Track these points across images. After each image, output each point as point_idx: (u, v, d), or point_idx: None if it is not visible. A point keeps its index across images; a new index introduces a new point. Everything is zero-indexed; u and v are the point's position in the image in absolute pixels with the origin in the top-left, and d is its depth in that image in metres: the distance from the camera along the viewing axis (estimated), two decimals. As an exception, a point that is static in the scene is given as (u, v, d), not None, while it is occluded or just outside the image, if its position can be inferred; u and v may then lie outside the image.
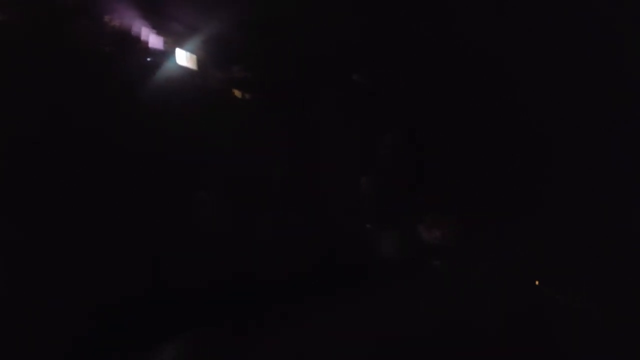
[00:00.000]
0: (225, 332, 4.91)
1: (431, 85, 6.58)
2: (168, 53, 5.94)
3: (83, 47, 5.09)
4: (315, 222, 6.27)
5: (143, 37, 5.72)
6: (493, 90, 6.38)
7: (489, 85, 6.37)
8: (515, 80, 6.28)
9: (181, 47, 6.05)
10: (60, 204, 4.68)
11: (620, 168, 5.62)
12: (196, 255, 5.28)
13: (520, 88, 6.27)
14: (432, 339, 5.30)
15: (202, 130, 5.73)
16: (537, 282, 6.01)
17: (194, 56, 6.19)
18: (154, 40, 5.86)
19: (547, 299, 5.84)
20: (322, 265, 5.82)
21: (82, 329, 4.34)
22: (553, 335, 5.47)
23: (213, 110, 6.10)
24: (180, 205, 5.52)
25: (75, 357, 4.29)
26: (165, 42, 5.97)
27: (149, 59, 5.76)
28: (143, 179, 5.22)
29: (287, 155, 6.50)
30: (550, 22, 5.95)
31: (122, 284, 4.70)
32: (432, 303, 5.63)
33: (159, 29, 5.86)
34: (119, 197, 5.05)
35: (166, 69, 5.85)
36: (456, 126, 6.48)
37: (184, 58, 6.08)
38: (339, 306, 5.26)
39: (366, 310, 5.36)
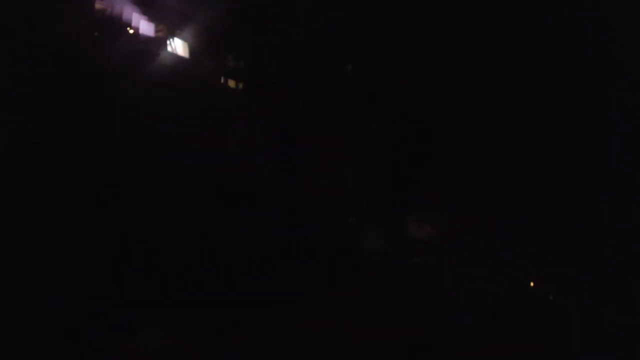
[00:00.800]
0: (211, 326, 4.79)
1: (426, 82, 6.50)
2: (160, 40, 5.77)
3: (75, 34, 4.88)
4: (306, 217, 6.13)
5: (134, 24, 5.55)
6: (491, 89, 6.34)
7: (487, 83, 6.33)
8: (513, 80, 6.26)
9: (173, 34, 5.88)
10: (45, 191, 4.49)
11: (620, 168, 5.65)
12: (181, 247, 5.14)
13: (518, 87, 6.25)
14: (427, 338, 5.24)
15: (192, 117, 5.59)
16: (532, 284, 6.01)
17: (186, 44, 6.02)
18: (146, 28, 5.68)
19: (547, 299, 5.84)
20: (310, 261, 5.70)
21: (73, 321, 4.26)
22: (553, 335, 5.47)
23: (204, 98, 5.95)
24: (169, 197, 5.35)
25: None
26: (157, 30, 5.79)
27: (140, 47, 5.58)
28: (132, 168, 5.05)
29: (276, 149, 6.35)
30: (550, 22, 5.95)
31: (113, 278, 4.60)
32: (425, 300, 5.57)
33: (150, 16, 5.69)
34: (107, 187, 4.86)
35: (158, 57, 5.69)
36: (453, 124, 6.41)
37: (176, 46, 5.92)
38: (325, 301, 5.19)
39: (356, 306, 5.28)
